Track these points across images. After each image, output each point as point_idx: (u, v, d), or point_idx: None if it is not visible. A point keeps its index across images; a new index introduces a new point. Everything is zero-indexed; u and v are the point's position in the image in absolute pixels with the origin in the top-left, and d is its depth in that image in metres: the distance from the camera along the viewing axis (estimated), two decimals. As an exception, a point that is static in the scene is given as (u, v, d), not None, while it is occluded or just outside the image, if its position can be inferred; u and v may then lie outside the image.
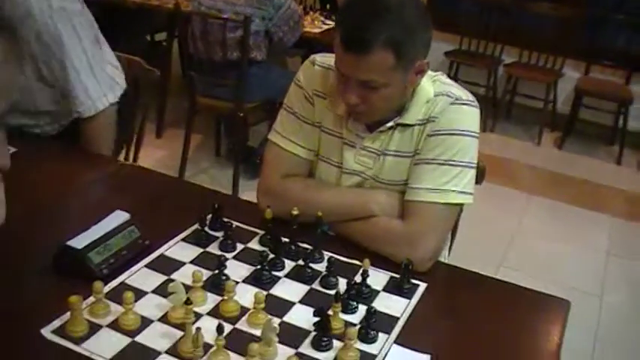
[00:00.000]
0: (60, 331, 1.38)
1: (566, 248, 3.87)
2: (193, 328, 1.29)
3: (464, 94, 1.71)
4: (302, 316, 1.47)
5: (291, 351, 1.38)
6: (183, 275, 1.55)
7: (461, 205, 1.72)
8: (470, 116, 1.70)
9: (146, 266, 1.60)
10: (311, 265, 1.63)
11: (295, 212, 1.66)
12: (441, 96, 1.69)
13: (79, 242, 1.54)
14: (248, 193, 2.83)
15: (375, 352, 1.40)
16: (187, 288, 1.44)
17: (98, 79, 2.17)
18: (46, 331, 1.38)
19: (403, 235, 1.66)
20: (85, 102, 2.15)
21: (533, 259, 3.67)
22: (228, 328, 1.41)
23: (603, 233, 4.09)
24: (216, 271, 1.55)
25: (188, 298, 1.33)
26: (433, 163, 1.66)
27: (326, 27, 4.45)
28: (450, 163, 1.66)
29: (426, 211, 1.66)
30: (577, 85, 5.29)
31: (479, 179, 1.82)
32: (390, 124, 1.70)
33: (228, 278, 1.53)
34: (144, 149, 2.69)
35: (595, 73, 5.41)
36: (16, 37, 2.07)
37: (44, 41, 2.06)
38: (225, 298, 1.47)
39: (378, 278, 1.62)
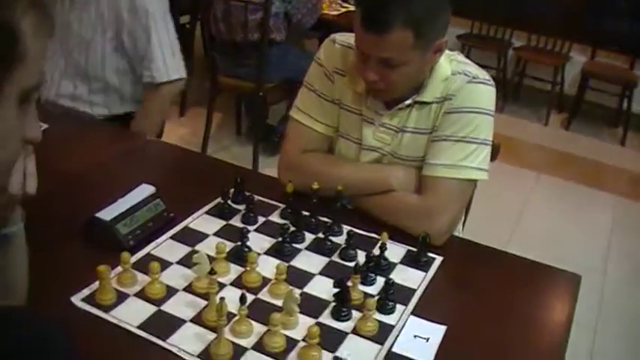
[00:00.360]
0: (89, 300, 1.35)
1: (572, 226, 3.82)
2: (217, 297, 1.26)
3: (480, 73, 1.66)
4: (322, 287, 1.44)
5: (311, 321, 1.35)
6: (207, 247, 1.52)
7: (476, 180, 1.67)
8: (486, 95, 1.65)
9: (171, 238, 1.58)
10: (331, 237, 1.59)
11: (315, 186, 1.62)
12: (458, 74, 1.64)
13: (107, 214, 1.51)
14: (268, 170, 2.80)
15: (392, 322, 1.37)
16: (211, 259, 1.42)
17: (174, 51, 2.27)
18: (76, 299, 1.35)
19: (420, 209, 1.62)
20: (161, 68, 2.24)
21: (539, 235, 3.62)
22: (250, 298, 1.38)
23: (607, 211, 4.04)
24: (239, 243, 1.52)
25: (212, 269, 1.30)
26: (450, 140, 1.62)
27: (343, 10, 4.39)
28: (466, 140, 1.61)
29: (442, 186, 1.62)
30: (583, 68, 5.21)
31: (493, 156, 1.77)
32: (408, 101, 1.66)
33: (250, 250, 1.50)
34: (168, 127, 2.66)
35: (601, 58, 5.32)
36: (100, 11, 2.15)
37: (136, 10, 2.15)
38: (248, 269, 1.44)
39: (395, 251, 1.58)
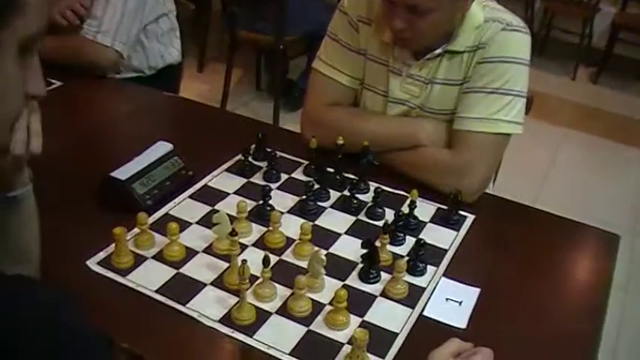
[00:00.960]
0: (105, 263, 1.29)
1: (600, 182, 3.71)
2: (238, 259, 1.20)
3: (515, 20, 1.56)
4: (349, 248, 1.38)
5: (338, 283, 1.28)
6: (228, 206, 1.45)
7: (510, 135, 1.58)
8: (521, 43, 1.55)
9: (190, 197, 1.51)
10: (357, 195, 1.52)
11: (340, 141, 1.54)
12: (491, 22, 1.54)
13: (122, 173, 1.44)
14: (289, 126, 2.73)
15: (423, 284, 1.30)
16: (232, 219, 1.35)
17: (123, 21, 2.08)
18: (92, 263, 1.29)
19: (451, 165, 1.54)
20: (93, 26, 2.06)
21: (567, 192, 3.53)
22: (273, 259, 1.31)
23: (636, 167, 3.91)
24: (261, 202, 1.45)
25: (233, 229, 1.23)
26: (482, 92, 1.52)
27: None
28: (501, 91, 1.52)
29: (474, 140, 1.53)
30: (613, 19, 5.03)
31: (527, 109, 1.67)
32: (438, 51, 1.56)
33: (273, 209, 1.43)
34: (185, 83, 2.58)
35: (632, 9, 5.13)
36: None
37: None
38: (271, 228, 1.37)
39: (425, 209, 1.51)
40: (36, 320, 0.71)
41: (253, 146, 1.65)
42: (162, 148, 1.55)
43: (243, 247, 1.35)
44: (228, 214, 1.32)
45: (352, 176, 1.58)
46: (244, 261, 1.13)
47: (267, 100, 4.10)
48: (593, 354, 1.21)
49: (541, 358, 1.19)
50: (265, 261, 1.19)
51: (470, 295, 1.29)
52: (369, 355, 1.12)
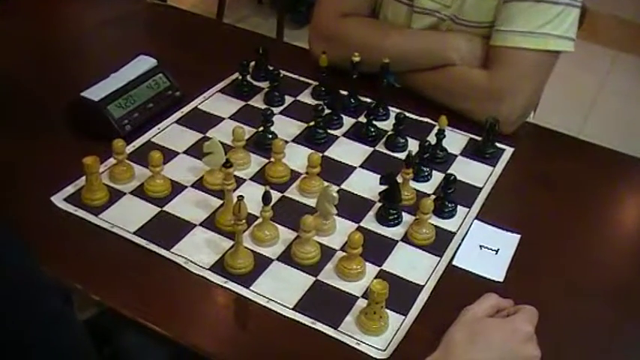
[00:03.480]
0: (74, 199, 1.23)
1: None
2: (234, 195, 1.13)
3: None
4: (364, 184, 1.31)
5: (352, 225, 1.22)
6: (222, 133, 1.38)
7: (559, 52, 1.49)
8: None
9: (177, 122, 1.44)
10: (375, 122, 1.44)
11: (356, 58, 1.45)
12: None
13: (96, 93, 1.37)
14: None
15: (453, 228, 1.24)
16: (227, 148, 1.28)
17: None
18: (58, 199, 1.23)
19: (487, 88, 1.45)
20: None
21: (615, 123, 3.45)
22: (275, 196, 1.25)
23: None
24: (261, 128, 1.39)
25: (227, 160, 1.16)
26: (528, 1, 1.43)
27: None
28: (549, 0, 1.42)
29: (516, 58, 1.44)
30: None
31: (580, 22, 1.58)
32: None
33: (275, 136, 1.36)
34: (175, -7, 2.48)
35: None
36: None
37: None
38: (272, 160, 1.31)
39: (455, 140, 1.44)
40: None
41: (253, 63, 1.58)
42: (144, 63, 1.47)
43: (240, 181, 1.28)
44: (222, 143, 1.25)
45: (369, 100, 1.51)
46: (240, 197, 1.06)
47: (269, 16, 4.01)
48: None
49: (592, 315, 1.13)
50: (265, 197, 1.12)
51: (508, 242, 1.23)
52: (388, 311, 1.06)
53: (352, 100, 1.50)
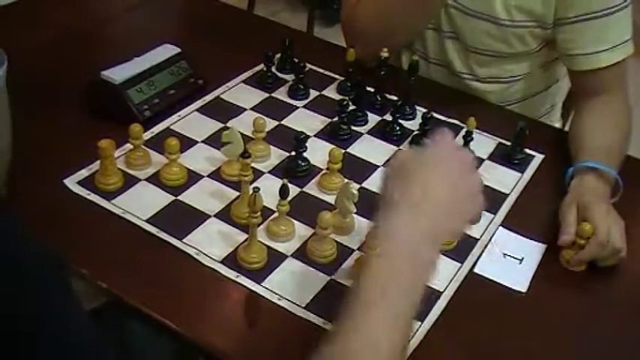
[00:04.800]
0: (87, 183, 1.19)
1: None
2: (250, 187, 1.09)
3: None
4: (387, 184, 1.25)
5: (370, 225, 1.16)
6: (243, 123, 1.33)
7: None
8: None
9: (198, 110, 1.40)
10: (400, 121, 1.40)
11: (384, 54, 1.40)
12: None
13: (116, 75, 1.33)
14: (324, 42, 2.62)
15: (476, 234, 1.19)
16: (247, 139, 1.23)
17: None
18: (71, 182, 1.19)
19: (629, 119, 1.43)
20: None
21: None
22: (293, 190, 1.21)
23: None
24: (283, 121, 1.33)
25: (245, 150, 1.11)
26: (602, 16, 1.38)
27: None
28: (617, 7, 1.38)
29: (619, 77, 1.44)
30: None
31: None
32: None
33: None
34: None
35: None
36: None
37: None
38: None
39: (483, 143, 1.39)
40: None
41: (278, 55, 1.53)
42: (167, 51, 1.44)
43: (258, 173, 1.24)
44: (242, 134, 1.21)
45: (396, 97, 1.45)
46: (256, 189, 1.02)
47: (299, 11, 3.95)
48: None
49: (620, 332, 1.07)
50: (283, 191, 1.08)
51: (533, 251, 1.17)
52: (405, 316, 1.01)
53: (379, 97, 1.45)
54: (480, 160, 1.35)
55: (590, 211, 1.16)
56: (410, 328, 0.78)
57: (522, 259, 1.15)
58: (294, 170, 1.26)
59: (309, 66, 1.51)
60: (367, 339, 0.75)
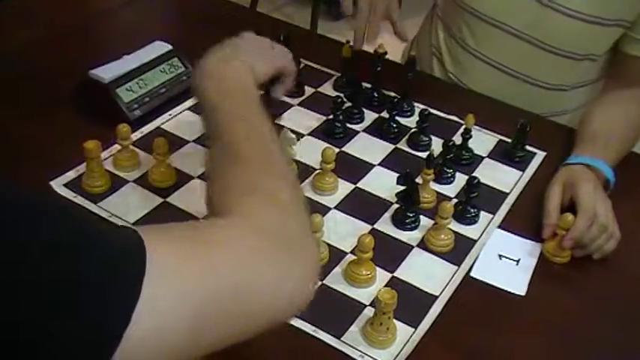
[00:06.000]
0: (74, 185, 1.16)
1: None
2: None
3: None
4: (382, 183, 1.23)
5: (365, 227, 1.14)
6: (236, 123, 1.30)
7: None
8: None
9: (190, 109, 1.37)
10: (397, 118, 1.36)
11: (381, 49, 1.37)
12: None
13: (105, 73, 1.30)
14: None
15: (474, 236, 1.15)
16: (238, 139, 1.20)
17: None
18: (57, 184, 1.16)
19: None
20: None
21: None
22: (286, 192, 1.17)
23: None
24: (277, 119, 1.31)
25: (234, 151, 1.08)
26: None
27: None
28: None
29: None
30: None
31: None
32: None
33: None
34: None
35: None
36: None
37: None
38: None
39: (482, 141, 1.36)
40: None
41: (274, 51, 1.49)
42: (159, 48, 1.41)
43: (249, 174, 1.21)
44: (232, 133, 1.17)
45: (393, 94, 1.42)
46: (244, 191, 0.99)
47: (304, 6, 3.92)
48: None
49: (620, 333, 1.03)
50: (272, 194, 1.04)
51: (529, 251, 1.14)
52: (397, 322, 0.98)
53: (375, 94, 1.42)
54: (479, 158, 1.32)
55: (575, 188, 1.15)
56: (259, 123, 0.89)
57: (519, 260, 1.12)
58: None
59: (305, 62, 1.49)
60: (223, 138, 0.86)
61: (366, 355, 0.95)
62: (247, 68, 0.99)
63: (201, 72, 0.97)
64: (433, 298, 1.03)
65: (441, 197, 1.20)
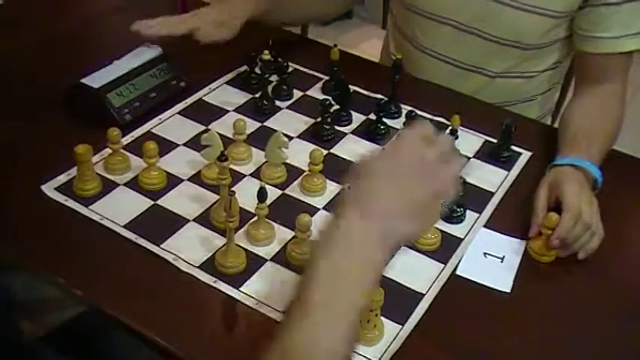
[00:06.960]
0: (65, 189, 1.18)
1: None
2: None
3: None
4: (370, 184, 1.23)
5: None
6: (225, 125, 1.32)
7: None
8: None
9: (180, 113, 1.39)
10: (385, 120, 1.37)
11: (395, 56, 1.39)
12: None
13: (96, 80, 1.32)
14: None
15: (460, 234, 1.17)
16: (228, 141, 1.22)
17: None
18: (49, 188, 1.18)
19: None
20: None
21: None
22: (276, 193, 1.20)
23: None
24: (266, 123, 1.32)
25: (222, 153, 1.09)
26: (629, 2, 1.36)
27: None
28: None
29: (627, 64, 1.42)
30: None
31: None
32: None
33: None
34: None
35: None
36: None
37: None
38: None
39: (468, 141, 1.37)
40: None
41: (262, 55, 1.50)
42: (148, 52, 1.42)
43: (239, 176, 1.22)
44: (224, 136, 1.19)
45: (380, 96, 1.44)
46: (232, 192, 1.00)
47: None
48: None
49: (603, 328, 1.05)
50: (260, 194, 1.06)
51: (514, 248, 1.16)
52: (384, 319, 0.99)
53: (362, 96, 1.44)
54: (466, 159, 1.33)
55: (561, 188, 1.16)
56: (354, 329, 0.77)
57: (503, 257, 1.14)
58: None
59: (293, 66, 1.50)
60: (305, 340, 0.73)
61: (354, 351, 0.96)
62: (380, 268, 0.81)
63: (334, 230, 0.79)
64: (420, 296, 1.05)
65: (428, 197, 1.21)
